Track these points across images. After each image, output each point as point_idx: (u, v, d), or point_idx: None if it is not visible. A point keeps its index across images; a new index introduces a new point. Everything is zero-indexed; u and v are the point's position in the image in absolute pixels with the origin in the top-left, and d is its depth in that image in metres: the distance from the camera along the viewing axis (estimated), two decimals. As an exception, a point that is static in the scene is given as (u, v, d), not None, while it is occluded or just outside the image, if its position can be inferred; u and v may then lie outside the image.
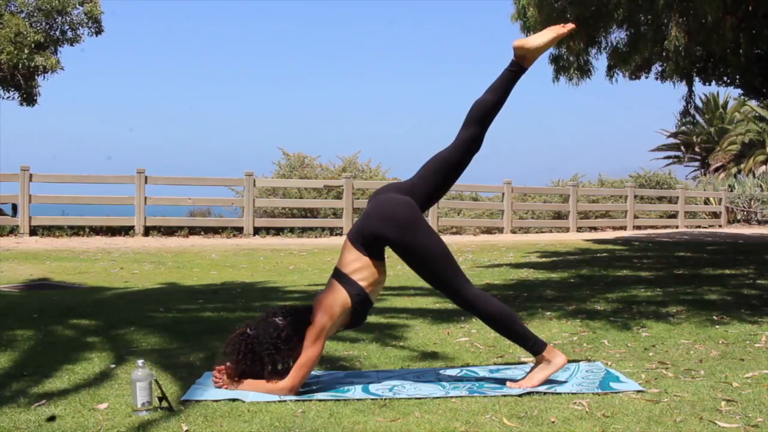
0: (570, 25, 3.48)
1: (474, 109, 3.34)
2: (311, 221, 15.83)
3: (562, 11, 8.74)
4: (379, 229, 3.23)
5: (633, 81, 12.51)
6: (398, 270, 7.31)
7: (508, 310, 3.37)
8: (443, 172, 3.36)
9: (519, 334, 3.34)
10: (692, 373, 3.48)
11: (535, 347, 3.31)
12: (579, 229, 18.27)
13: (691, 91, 12.22)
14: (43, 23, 15.26)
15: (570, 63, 9.83)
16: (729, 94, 38.72)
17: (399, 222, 3.23)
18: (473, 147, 3.36)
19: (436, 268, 3.27)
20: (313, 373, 3.38)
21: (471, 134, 3.33)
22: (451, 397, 3.10)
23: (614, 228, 19.10)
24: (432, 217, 15.85)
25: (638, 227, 19.42)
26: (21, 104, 15.74)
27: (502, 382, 3.33)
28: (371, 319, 3.56)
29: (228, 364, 3.24)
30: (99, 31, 15.85)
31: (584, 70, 9.99)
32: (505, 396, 3.11)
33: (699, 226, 20.71)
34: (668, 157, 41.96)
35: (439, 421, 2.77)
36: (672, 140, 41.61)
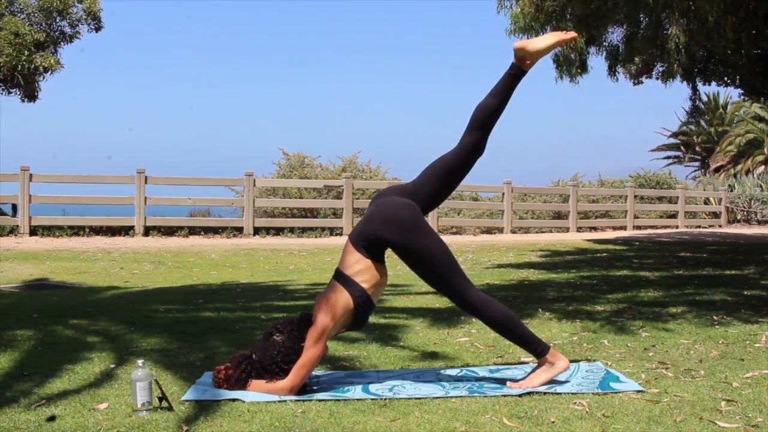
0: (573, 33, 3.51)
1: (476, 113, 3.34)
2: (311, 221, 15.83)
3: (562, 9, 8.71)
4: (381, 232, 3.23)
5: (636, 86, 12.55)
6: (398, 270, 7.31)
7: (511, 314, 3.37)
8: (446, 175, 3.36)
9: (522, 337, 3.34)
10: (692, 373, 3.48)
11: (539, 350, 3.31)
12: (579, 229, 18.27)
13: (695, 89, 12.25)
14: (43, 23, 15.26)
15: (572, 61, 9.80)
16: (729, 95, 38.78)
17: (401, 225, 3.23)
18: (476, 152, 3.37)
19: (439, 270, 3.27)
20: (313, 373, 3.38)
21: (473, 139, 3.34)
22: (451, 397, 3.10)
23: (614, 228, 19.10)
24: (432, 217, 15.84)
25: (638, 227, 19.42)
26: (22, 100, 15.77)
27: (502, 382, 3.33)
28: (371, 319, 3.56)
29: (228, 364, 3.24)
30: (98, 28, 15.86)
31: (583, 68, 9.97)
32: (505, 396, 3.11)
33: (699, 226, 20.71)
34: (668, 157, 41.98)
35: (439, 421, 2.77)
36: (672, 140, 41.62)
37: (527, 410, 2.90)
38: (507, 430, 2.69)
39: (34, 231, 13.70)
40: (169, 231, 14.72)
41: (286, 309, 5.57)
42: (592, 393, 3.13)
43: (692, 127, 39.80)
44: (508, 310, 3.38)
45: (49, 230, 13.85)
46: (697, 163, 40.62)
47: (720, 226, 21.23)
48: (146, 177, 14.27)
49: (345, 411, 2.90)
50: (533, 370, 3.33)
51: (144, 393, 2.87)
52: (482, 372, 3.56)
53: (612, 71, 10.39)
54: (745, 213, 22.59)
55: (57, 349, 4.04)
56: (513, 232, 17.18)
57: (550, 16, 8.54)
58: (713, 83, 12.95)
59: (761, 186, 24.56)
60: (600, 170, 22.53)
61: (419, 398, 3.08)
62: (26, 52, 14.52)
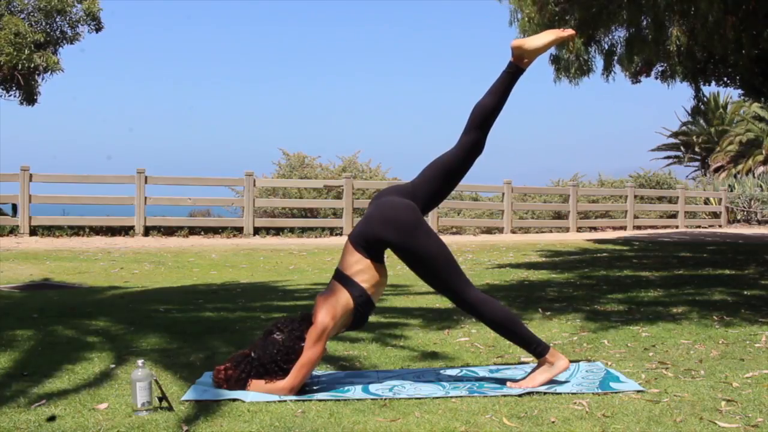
0: (570, 31, 3.50)
1: (474, 113, 3.35)
2: (311, 221, 15.83)
3: (563, 13, 8.73)
4: (380, 233, 3.24)
5: (635, 85, 12.58)
6: (398, 270, 7.31)
7: (511, 314, 3.38)
8: (445, 175, 3.36)
9: (522, 337, 3.34)
10: (692, 373, 3.48)
11: (539, 350, 3.31)
12: (579, 229, 18.27)
13: (698, 89, 12.27)
14: (43, 23, 15.26)
15: (570, 63, 9.83)
16: (729, 95, 38.78)
17: (400, 225, 3.23)
18: (475, 151, 3.37)
19: (438, 271, 3.27)
20: (313, 373, 3.38)
21: (472, 139, 3.34)
22: (451, 397, 3.10)
23: (614, 228, 19.10)
24: (432, 217, 15.83)
25: (638, 227, 19.42)
26: (21, 103, 15.75)
27: (502, 382, 3.33)
28: (371, 318, 3.56)
29: (228, 364, 3.24)
30: (99, 28, 15.86)
31: (584, 69, 9.99)
32: (505, 396, 3.11)
33: (699, 226, 20.71)
34: (668, 157, 41.98)
35: (439, 421, 2.77)
36: (672, 140, 41.63)
37: (527, 410, 2.90)
38: (507, 430, 2.69)
39: (34, 231, 13.70)
40: (169, 231, 14.72)
41: (286, 309, 5.57)
42: (592, 393, 3.13)
43: (692, 127, 39.80)
44: (508, 310, 3.38)
45: (49, 230, 13.84)
46: (697, 163, 40.63)
47: (720, 226, 21.23)
48: (146, 177, 14.27)
49: (345, 411, 2.90)
50: (533, 370, 3.33)
51: (144, 393, 2.87)
52: (482, 372, 3.56)
53: (607, 71, 10.40)
54: (745, 213, 22.59)
55: (57, 349, 4.04)
56: (513, 232, 17.18)
57: (552, 19, 8.57)
58: (713, 83, 12.96)
59: (761, 186, 24.57)
60: (600, 170, 22.49)
61: (419, 398, 3.08)
62: (26, 51, 14.51)
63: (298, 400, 3.05)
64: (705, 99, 13.08)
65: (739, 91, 13.88)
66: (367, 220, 3.31)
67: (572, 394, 3.13)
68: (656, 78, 12.38)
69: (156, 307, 5.62)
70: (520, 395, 3.11)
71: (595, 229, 18.85)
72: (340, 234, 15.34)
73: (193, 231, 14.86)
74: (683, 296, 6.22)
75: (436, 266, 3.26)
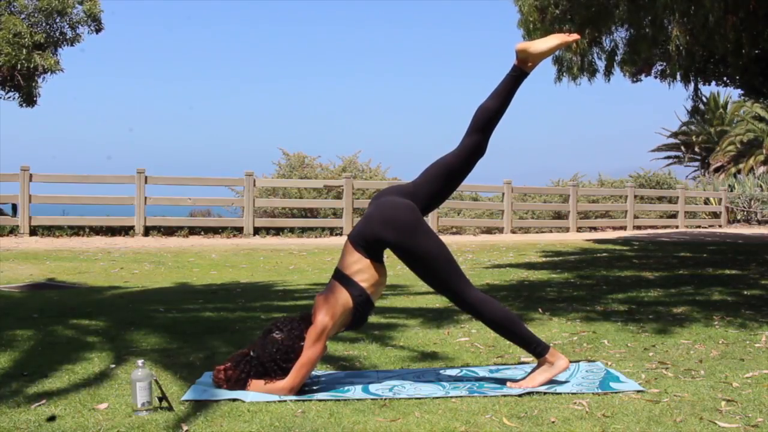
0: (575, 35, 3.52)
1: (477, 115, 3.35)
2: (311, 221, 15.83)
3: (564, 14, 8.74)
4: (380, 232, 3.24)
5: (634, 83, 12.60)
6: (398, 270, 7.31)
7: (511, 314, 3.38)
8: (446, 177, 3.37)
9: (522, 337, 3.34)
10: (692, 373, 3.48)
11: (538, 350, 3.31)
12: (579, 229, 18.27)
13: (697, 89, 12.30)
14: (43, 24, 15.25)
15: (573, 63, 9.84)
16: (729, 95, 38.78)
17: (400, 225, 3.23)
18: (476, 153, 3.37)
19: (438, 271, 3.27)
20: (313, 373, 3.38)
21: (474, 141, 3.35)
22: (451, 397, 3.10)
23: (614, 228, 19.10)
24: (432, 217, 15.82)
25: (638, 227, 19.42)
26: (21, 105, 15.73)
27: (502, 382, 3.33)
28: (371, 319, 3.57)
29: (228, 364, 3.24)
30: (99, 29, 15.84)
31: (591, 70, 10.03)
32: (505, 396, 3.11)
33: (699, 226, 20.71)
34: (668, 157, 41.97)
35: (439, 421, 2.77)
36: (672, 140, 41.62)
37: (527, 410, 2.90)
38: (507, 430, 2.69)
39: (34, 231, 13.70)
40: (169, 231, 14.72)
41: (286, 309, 5.57)
42: (592, 393, 3.13)
43: (692, 127, 39.79)
44: (508, 310, 3.38)
45: (49, 230, 13.84)
46: (697, 163, 40.62)
47: (720, 226, 21.23)
48: (146, 177, 14.27)
49: (345, 411, 2.90)
50: (533, 370, 3.33)
51: (144, 393, 2.87)
52: (482, 372, 3.56)
53: (608, 71, 10.41)
54: (745, 213, 22.59)
55: (57, 349, 4.04)
56: (513, 232, 17.18)
57: (553, 22, 8.60)
58: (713, 83, 12.97)
59: (761, 186, 24.58)
60: (600, 170, 22.50)
61: (419, 398, 3.08)
62: (24, 51, 14.50)
63: (298, 400, 3.05)
64: (704, 99, 13.12)
65: (739, 91, 13.90)
66: (366, 219, 3.31)
67: (572, 394, 3.13)
68: (656, 77, 12.39)
69: (156, 307, 5.62)
70: (520, 395, 3.11)
71: (595, 229, 18.85)
72: (340, 234, 15.34)
73: (193, 231, 14.86)
74: (683, 296, 6.22)
75: (435, 266, 3.27)
